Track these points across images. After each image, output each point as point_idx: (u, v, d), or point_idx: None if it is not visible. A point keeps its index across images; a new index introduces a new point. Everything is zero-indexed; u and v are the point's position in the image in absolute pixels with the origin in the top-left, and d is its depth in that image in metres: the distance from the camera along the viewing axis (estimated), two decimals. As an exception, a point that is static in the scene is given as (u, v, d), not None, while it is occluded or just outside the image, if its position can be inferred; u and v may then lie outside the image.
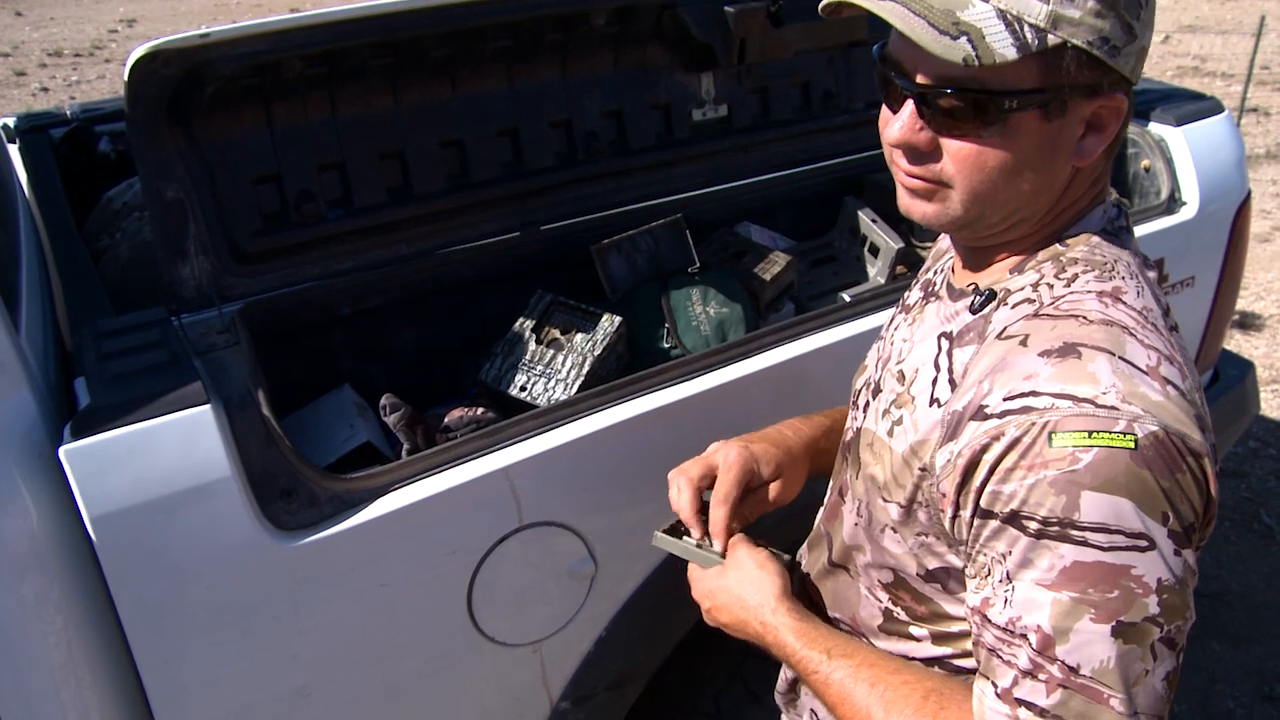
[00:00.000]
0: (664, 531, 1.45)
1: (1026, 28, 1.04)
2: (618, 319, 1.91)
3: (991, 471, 1.03)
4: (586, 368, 1.86)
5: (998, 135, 1.08)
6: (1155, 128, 2.52)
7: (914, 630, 1.27)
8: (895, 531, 1.24)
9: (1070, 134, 1.10)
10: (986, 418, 1.05)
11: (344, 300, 1.90)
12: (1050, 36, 1.03)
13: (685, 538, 1.43)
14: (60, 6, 14.95)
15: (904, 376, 1.27)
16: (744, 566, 1.36)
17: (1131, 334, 1.05)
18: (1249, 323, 5.26)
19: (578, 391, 1.83)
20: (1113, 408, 0.99)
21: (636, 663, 1.90)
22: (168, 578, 1.43)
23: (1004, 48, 1.04)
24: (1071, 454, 0.98)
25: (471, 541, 1.63)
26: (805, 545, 1.52)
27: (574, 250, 2.06)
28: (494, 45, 1.94)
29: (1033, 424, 1.01)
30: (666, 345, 2.00)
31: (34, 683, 1.41)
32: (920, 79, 1.09)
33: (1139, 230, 2.30)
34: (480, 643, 1.70)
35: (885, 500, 1.25)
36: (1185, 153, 2.45)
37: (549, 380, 1.87)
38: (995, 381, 1.06)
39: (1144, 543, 0.98)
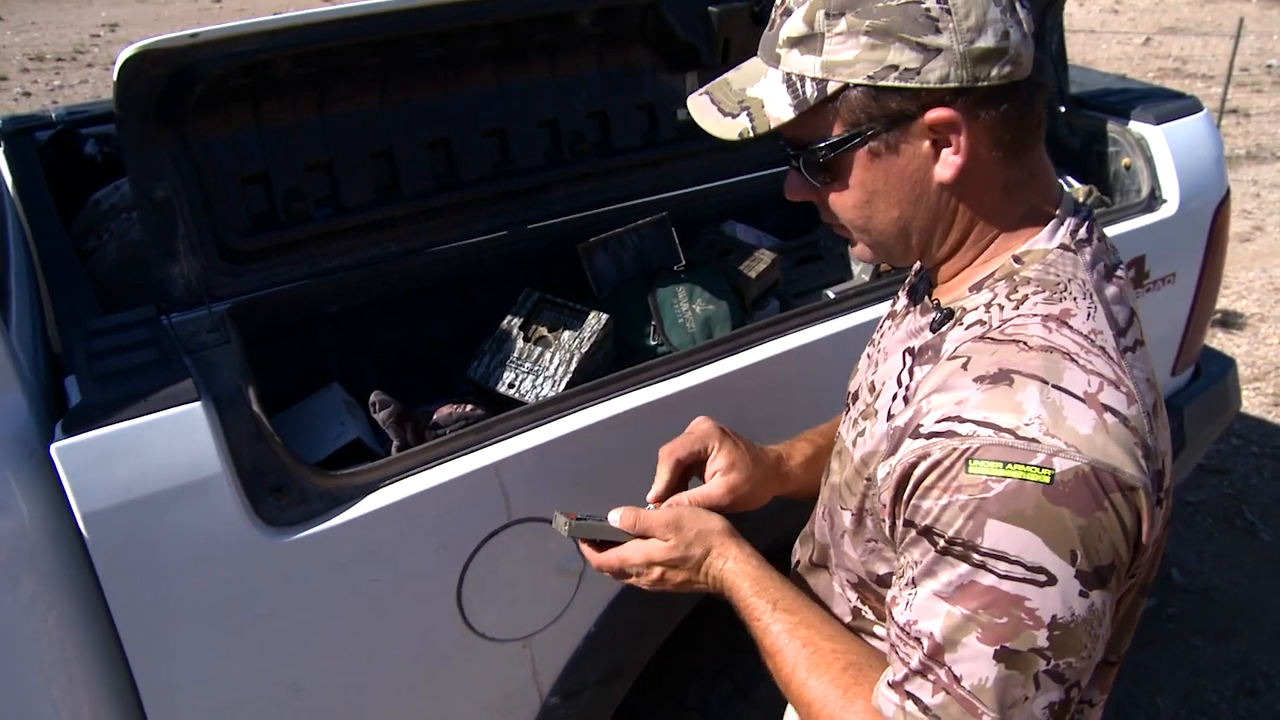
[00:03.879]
0: (565, 522, 1.37)
1: (808, 83, 1.10)
2: (605, 316, 1.93)
3: (915, 487, 1.06)
4: (574, 365, 1.87)
5: (836, 181, 1.15)
6: (1135, 126, 2.54)
7: (878, 630, 1.30)
8: (850, 538, 1.27)
9: (914, 158, 1.11)
10: (919, 436, 1.07)
11: (333, 299, 1.91)
12: (830, 84, 1.08)
13: (587, 520, 1.38)
14: (42, 11, 14.89)
15: (874, 388, 1.31)
16: (688, 522, 1.33)
17: (1073, 360, 1.05)
18: (1231, 321, 5.30)
19: (565, 388, 1.84)
20: (1033, 440, 1.00)
21: (626, 658, 1.92)
22: (159, 574, 1.43)
23: (780, 110, 1.12)
24: (984, 482, 1.00)
25: (461, 537, 1.64)
26: (798, 540, 1.54)
27: (561, 249, 2.07)
28: (481, 45, 1.95)
29: (954, 449, 1.03)
30: (653, 342, 2.01)
31: (26, 680, 1.42)
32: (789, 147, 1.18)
33: (1120, 228, 2.33)
34: (470, 638, 1.71)
35: (842, 508, 1.28)
36: (1165, 151, 2.47)
37: (537, 377, 1.88)
38: (933, 402, 1.08)
39: (1043, 577, 0.99)
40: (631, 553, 1.35)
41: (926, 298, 1.27)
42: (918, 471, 1.05)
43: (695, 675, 2.15)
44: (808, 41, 1.09)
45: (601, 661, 1.86)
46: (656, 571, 1.34)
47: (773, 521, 1.60)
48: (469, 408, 1.81)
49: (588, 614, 1.82)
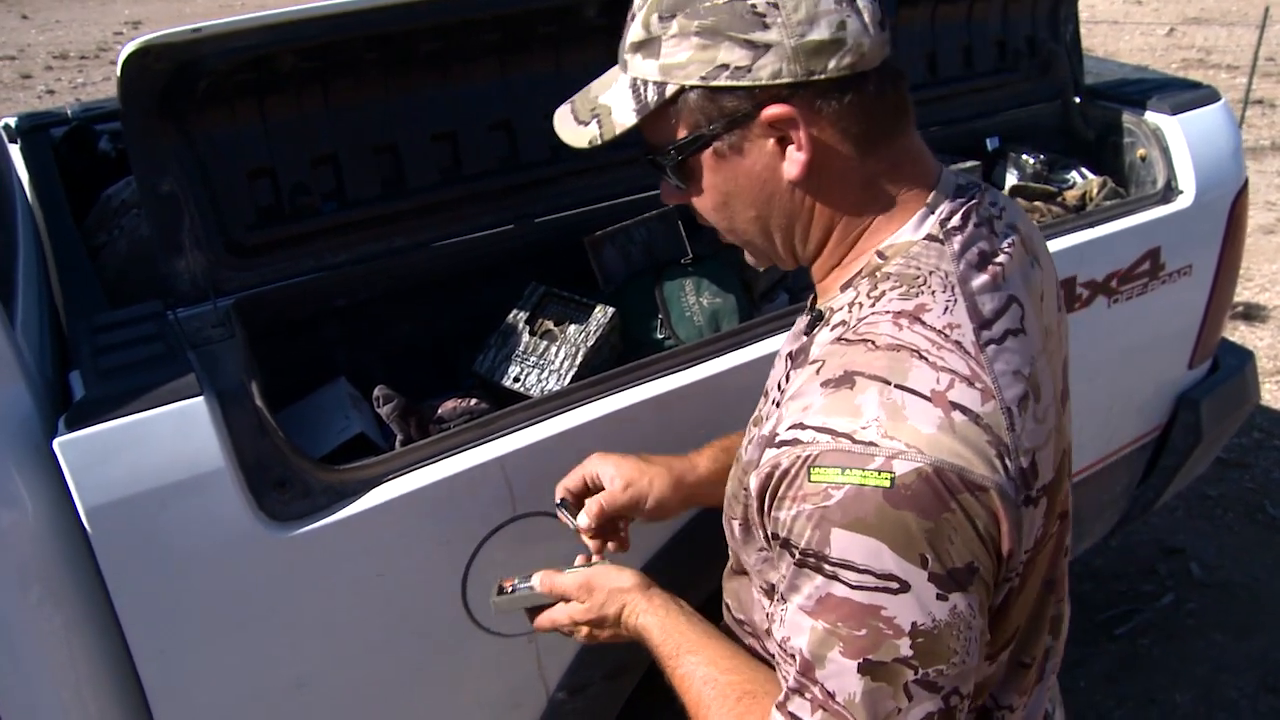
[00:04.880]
0: (496, 597, 1.48)
1: (649, 87, 1.10)
2: (611, 310, 1.92)
3: (772, 499, 1.05)
4: (580, 358, 1.86)
5: (690, 182, 1.16)
6: (1151, 117, 2.52)
7: None
8: (744, 549, 1.27)
9: (760, 157, 1.10)
10: (773, 445, 1.06)
11: (339, 293, 1.91)
12: (668, 86, 1.09)
13: (516, 590, 1.46)
14: (66, 9, 15.00)
15: (766, 394, 1.30)
16: (599, 584, 1.38)
17: (922, 356, 1.02)
18: (1254, 314, 5.25)
19: (571, 382, 1.83)
20: (870, 443, 0.98)
21: (633, 653, 1.89)
22: (163, 569, 1.44)
23: (624, 116, 1.13)
24: (825, 490, 0.99)
25: (465, 532, 1.64)
26: None
27: (568, 242, 2.06)
28: (487, 38, 1.95)
29: (798, 457, 1.01)
30: (660, 336, 2.01)
31: (32, 676, 1.42)
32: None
33: (1136, 220, 2.31)
34: (475, 633, 1.71)
35: (731, 517, 1.28)
36: (1181, 141, 2.44)
37: (542, 371, 1.87)
38: (787, 410, 1.07)
39: (895, 584, 0.97)
40: (559, 615, 1.41)
41: (808, 300, 1.27)
42: (772, 482, 1.05)
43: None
44: (647, 45, 1.10)
45: (609, 656, 1.85)
46: (583, 630, 1.40)
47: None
48: (474, 402, 1.81)
49: (594, 609, 1.81)
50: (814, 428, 1.02)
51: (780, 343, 1.80)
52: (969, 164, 2.49)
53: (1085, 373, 2.35)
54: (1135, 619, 3.41)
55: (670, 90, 1.09)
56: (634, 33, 1.12)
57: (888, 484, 0.96)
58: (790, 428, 1.04)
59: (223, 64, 1.66)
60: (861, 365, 1.03)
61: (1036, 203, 2.47)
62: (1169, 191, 2.42)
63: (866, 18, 1.05)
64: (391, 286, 1.96)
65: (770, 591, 1.26)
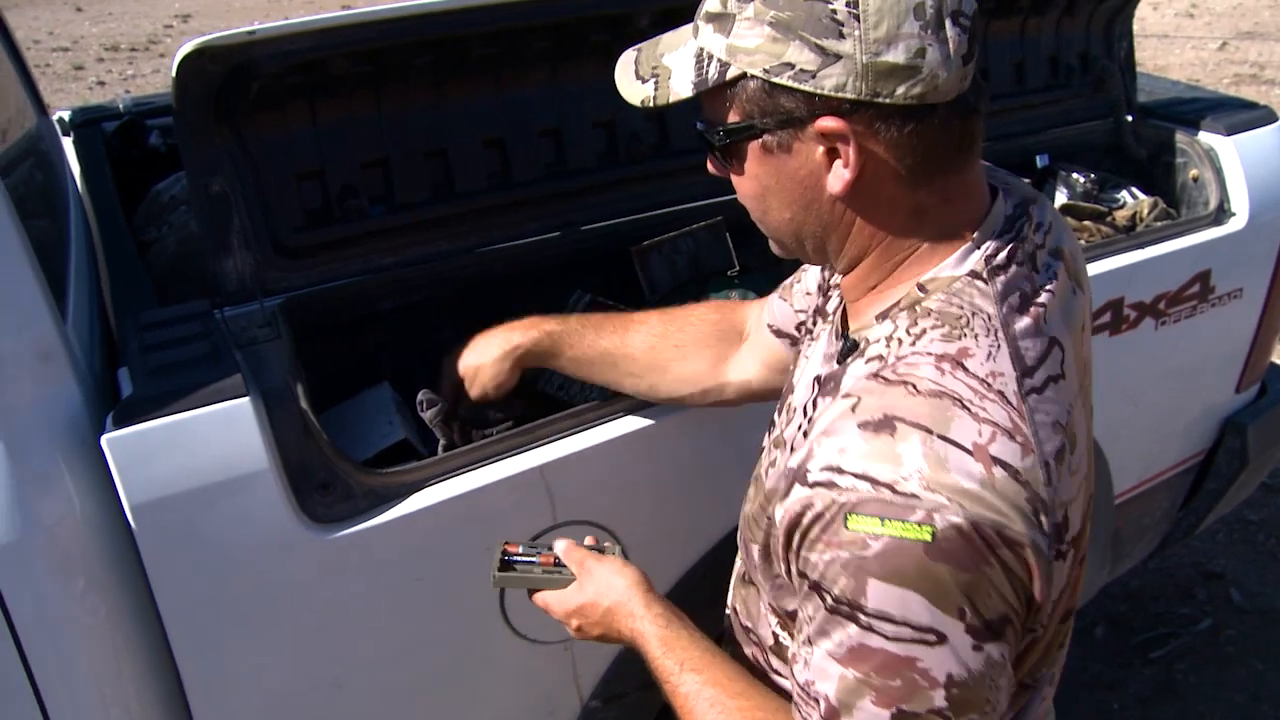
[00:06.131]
0: (498, 571, 1.43)
1: (713, 64, 1.06)
2: (656, 320, 1.91)
3: (803, 539, 1.02)
4: (623, 368, 1.86)
5: (735, 166, 1.12)
6: (1205, 137, 2.48)
7: None
8: (760, 572, 1.24)
9: (806, 163, 1.06)
10: (805, 484, 1.03)
11: (385, 296, 1.92)
12: (731, 69, 1.04)
13: (518, 568, 1.43)
14: (118, 2, 15.18)
15: (788, 412, 1.28)
16: (597, 577, 1.36)
17: (964, 406, 0.99)
18: (1303, 337, 5.17)
19: (614, 392, 1.82)
20: (912, 495, 0.95)
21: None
22: (205, 568, 1.45)
23: (682, 86, 1.09)
24: (863, 539, 0.96)
25: (506, 538, 1.64)
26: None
27: (614, 251, 2.06)
28: (539, 45, 1.95)
29: (834, 501, 0.98)
30: (704, 348, 2.00)
31: (75, 667, 1.44)
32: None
33: (1187, 241, 2.28)
34: (512, 640, 1.71)
35: (750, 541, 1.26)
36: (1235, 162, 2.41)
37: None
38: (820, 446, 1.03)
39: (932, 637, 0.95)
40: (554, 600, 1.39)
41: (839, 321, 1.23)
42: (803, 522, 1.02)
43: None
44: (721, 20, 1.06)
45: (644, 666, 1.85)
46: (574, 623, 1.37)
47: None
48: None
49: (631, 619, 1.81)
50: (853, 473, 0.98)
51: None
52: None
53: (1130, 395, 2.34)
54: (1172, 643, 3.36)
55: (732, 73, 1.05)
56: (711, 2, 1.08)
57: (929, 538, 0.94)
58: (824, 469, 1.01)
59: (276, 66, 1.67)
60: (903, 411, 0.99)
61: (1086, 222, 2.44)
62: (1221, 213, 2.38)
63: (951, 49, 1.01)
64: (437, 291, 1.96)
65: (781, 615, 1.25)
